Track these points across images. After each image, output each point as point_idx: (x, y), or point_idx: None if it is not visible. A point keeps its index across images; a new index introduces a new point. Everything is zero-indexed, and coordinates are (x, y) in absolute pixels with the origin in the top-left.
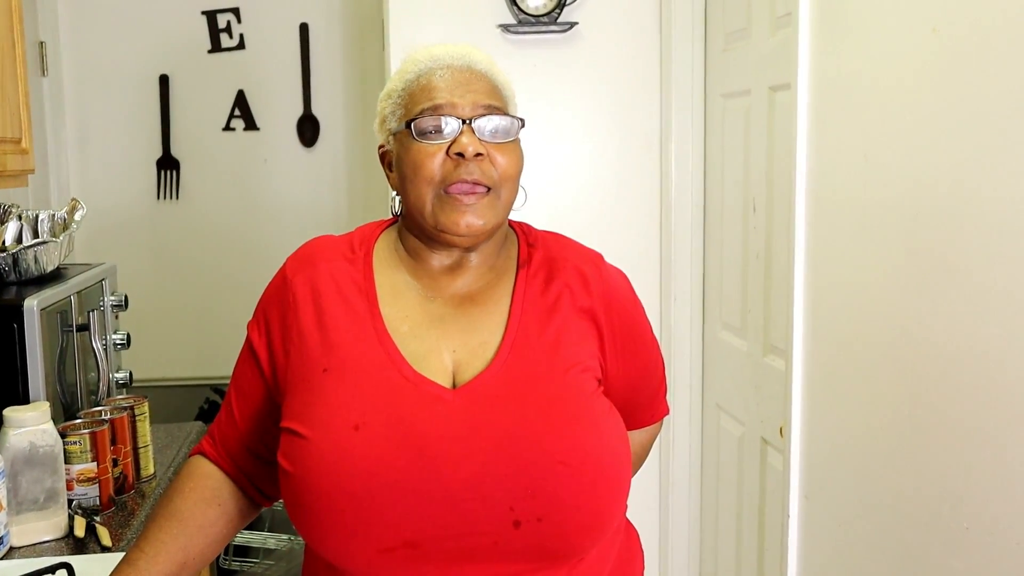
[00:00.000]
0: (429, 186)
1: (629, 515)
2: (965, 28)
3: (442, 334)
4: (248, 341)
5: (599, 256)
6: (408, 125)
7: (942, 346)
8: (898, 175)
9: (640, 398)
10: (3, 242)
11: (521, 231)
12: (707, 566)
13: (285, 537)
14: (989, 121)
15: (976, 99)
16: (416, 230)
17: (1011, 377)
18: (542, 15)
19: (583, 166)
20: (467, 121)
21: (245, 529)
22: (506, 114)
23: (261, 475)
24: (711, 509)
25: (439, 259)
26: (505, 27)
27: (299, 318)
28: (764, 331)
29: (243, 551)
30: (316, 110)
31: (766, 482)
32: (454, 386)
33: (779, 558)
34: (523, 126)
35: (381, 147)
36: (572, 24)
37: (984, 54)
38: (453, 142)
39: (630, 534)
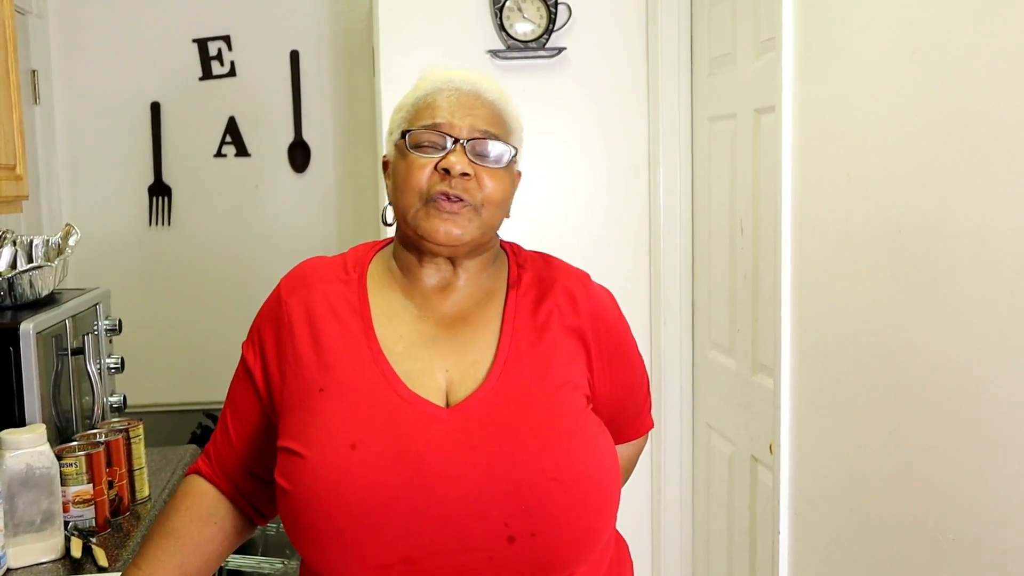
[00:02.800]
0: (415, 196)
1: (621, 533)
2: (945, 50)
3: (435, 353)
4: (243, 361)
5: (586, 275)
6: (404, 136)
7: (926, 363)
8: (881, 194)
9: (626, 413)
10: None
11: (511, 251)
12: None
13: (279, 562)
14: (970, 140)
15: (956, 119)
16: (407, 242)
17: (993, 392)
18: (530, 41)
19: (572, 189)
20: (459, 141)
21: (238, 553)
22: (501, 141)
23: (257, 493)
24: (702, 527)
25: (429, 276)
26: (494, 53)
27: (294, 338)
28: (752, 350)
29: (237, 575)
30: (307, 136)
31: (756, 500)
32: (448, 405)
33: (770, 573)
34: (514, 156)
35: (384, 156)
36: (560, 49)
37: (964, 75)
38: (443, 158)
39: (620, 545)
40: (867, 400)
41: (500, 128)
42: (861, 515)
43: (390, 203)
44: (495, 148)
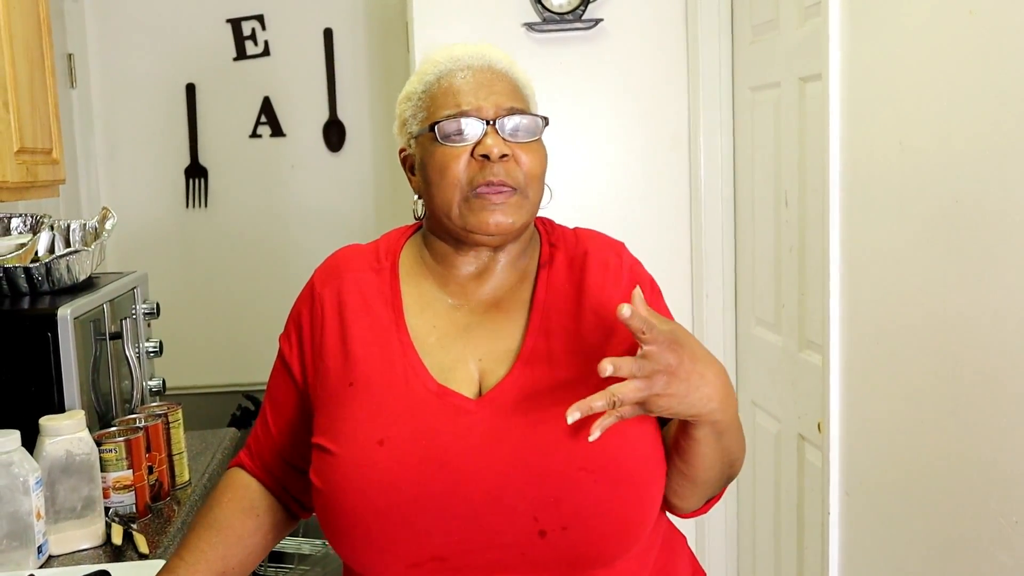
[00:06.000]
0: (456, 189)
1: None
2: (1003, 8)
3: (468, 343)
4: (280, 354)
5: (621, 245)
6: (431, 128)
7: (984, 336)
8: (935, 162)
9: None
10: (36, 252)
11: (544, 230)
12: (745, 567)
13: (319, 542)
14: None
15: (1016, 81)
16: (442, 233)
17: None
18: (567, 12)
19: (611, 164)
20: (491, 122)
21: None
22: (529, 114)
23: (298, 487)
24: (748, 508)
25: (466, 264)
26: (530, 25)
27: (326, 331)
28: (799, 326)
29: (278, 557)
30: (342, 115)
31: (804, 480)
32: (480, 396)
33: (820, 557)
34: (547, 124)
35: (402, 151)
36: (597, 21)
37: (1023, 34)
38: (478, 144)
39: (674, 537)
40: (922, 376)
41: (521, 100)
42: (916, 496)
43: (419, 197)
44: (525, 122)
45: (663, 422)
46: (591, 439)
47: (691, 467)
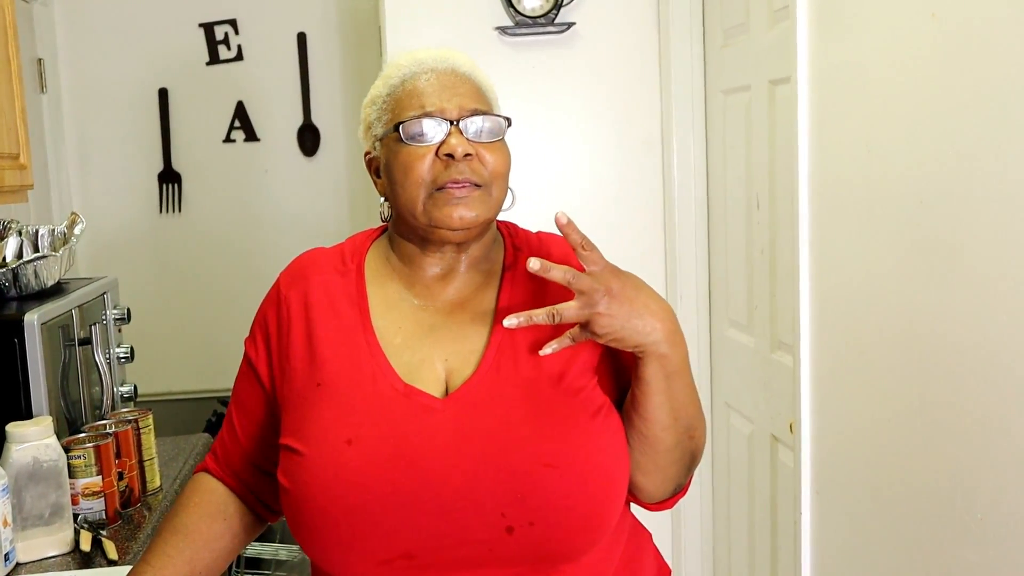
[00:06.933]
0: (420, 188)
1: (639, 516)
2: (965, 12)
3: (434, 343)
4: (246, 357)
5: None
6: (396, 128)
7: (951, 336)
8: (902, 164)
9: None
10: (3, 257)
11: (507, 233)
12: (720, 566)
13: (296, 548)
14: (992, 106)
15: (979, 84)
16: (408, 233)
17: (1021, 366)
18: (539, 16)
19: (584, 167)
20: (454, 123)
21: (256, 540)
22: (492, 114)
23: (266, 489)
24: (723, 508)
25: (432, 265)
26: (502, 29)
27: (293, 333)
28: (771, 327)
29: (255, 563)
30: (316, 119)
31: (777, 479)
32: (446, 395)
33: (792, 555)
34: (509, 124)
35: (367, 154)
36: (569, 24)
37: (985, 38)
38: (442, 144)
39: (639, 534)
40: (890, 376)
41: (484, 102)
42: (885, 495)
43: (385, 199)
44: (489, 122)
45: (619, 405)
46: (541, 353)
47: (646, 422)
